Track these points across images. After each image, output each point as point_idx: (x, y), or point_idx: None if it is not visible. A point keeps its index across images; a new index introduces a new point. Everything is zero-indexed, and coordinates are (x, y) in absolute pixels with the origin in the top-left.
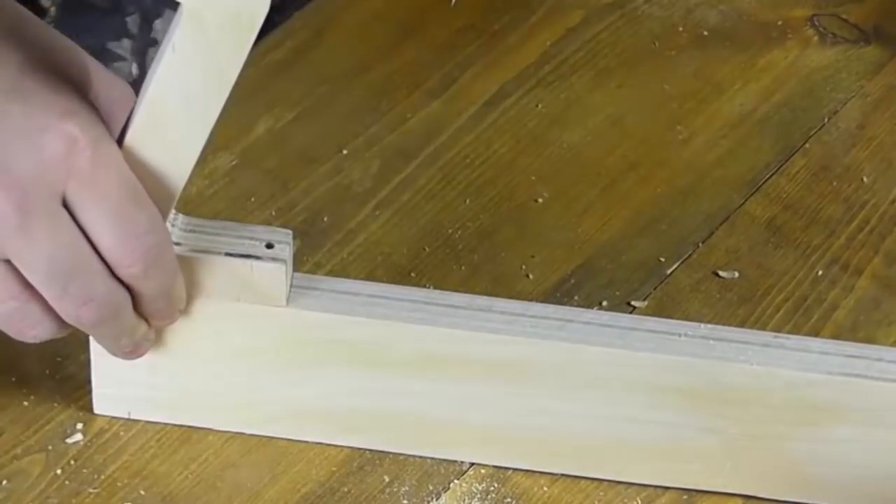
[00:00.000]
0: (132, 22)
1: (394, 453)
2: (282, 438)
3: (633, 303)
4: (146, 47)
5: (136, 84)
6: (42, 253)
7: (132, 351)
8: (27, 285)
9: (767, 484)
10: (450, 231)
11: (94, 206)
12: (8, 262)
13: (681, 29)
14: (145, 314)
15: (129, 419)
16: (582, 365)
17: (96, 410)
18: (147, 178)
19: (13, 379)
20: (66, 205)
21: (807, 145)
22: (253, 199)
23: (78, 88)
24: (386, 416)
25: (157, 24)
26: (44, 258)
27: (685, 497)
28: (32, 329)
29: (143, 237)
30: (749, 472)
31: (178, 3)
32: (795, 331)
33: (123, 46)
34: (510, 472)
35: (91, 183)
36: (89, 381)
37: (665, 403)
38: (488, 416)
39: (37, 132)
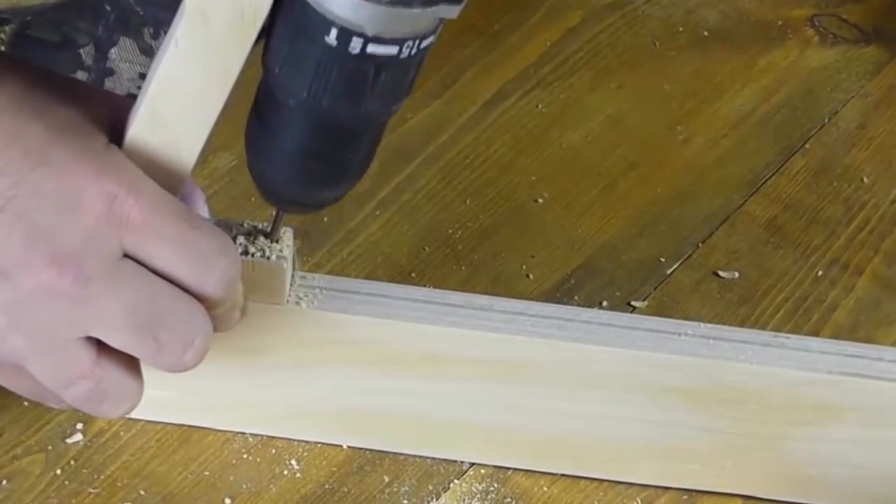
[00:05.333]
0: (86, 54)
1: (393, 453)
2: (282, 438)
3: (633, 303)
4: (103, 77)
5: None
6: (118, 310)
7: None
8: (98, 361)
9: (767, 484)
10: (450, 231)
11: (156, 247)
12: (82, 339)
13: (681, 29)
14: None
15: (128, 419)
16: (582, 364)
17: None
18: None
19: None
20: (128, 256)
21: (807, 145)
22: (253, 199)
23: (95, 126)
24: (386, 415)
25: (113, 52)
26: (122, 315)
27: (685, 497)
28: (118, 404)
29: (218, 260)
30: (748, 472)
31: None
32: (795, 331)
33: (80, 78)
34: (510, 472)
35: (144, 227)
36: None
37: (665, 403)
38: (488, 416)
39: (74, 199)
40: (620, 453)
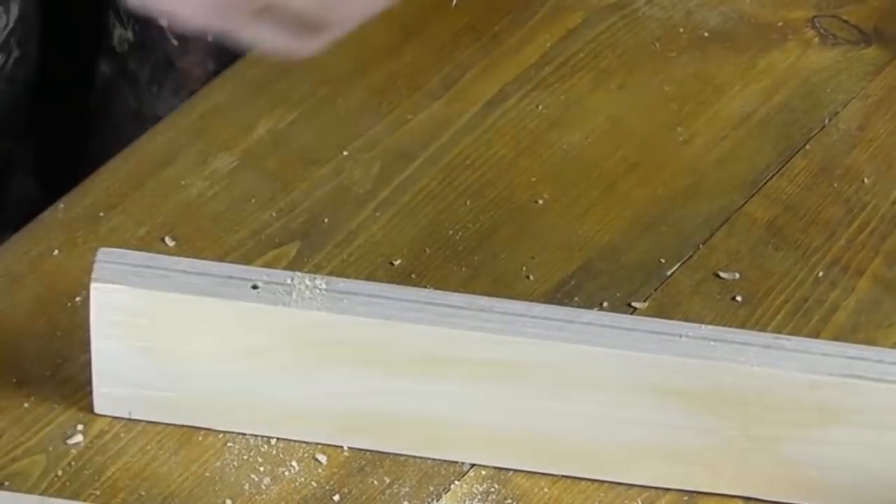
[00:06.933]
0: None
1: (394, 454)
2: (283, 439)
3: (633, 304)
4: None
5: None
6: None
7: None
8: None
9: (767, 486)
10: (450, 232)
11: None
12: None
13: (681, 30)
14: None
15: (129, 420)
16: (583, 366)
17: (96, 410)
18: None
19: (13, 380)
20: None
21: (807, 146)
22: (253, 201)
23: None
24: (386, 416)
25: None
26: None
27: (685, 498)
28: None
29: None
30: (749, 474)
31: None
32: (796, 332)
33: None
34: (511, 473)
35: None
36: (89, 383)
37: (666, 404)
38: (489, 417)
39: None
40: (621, 455)
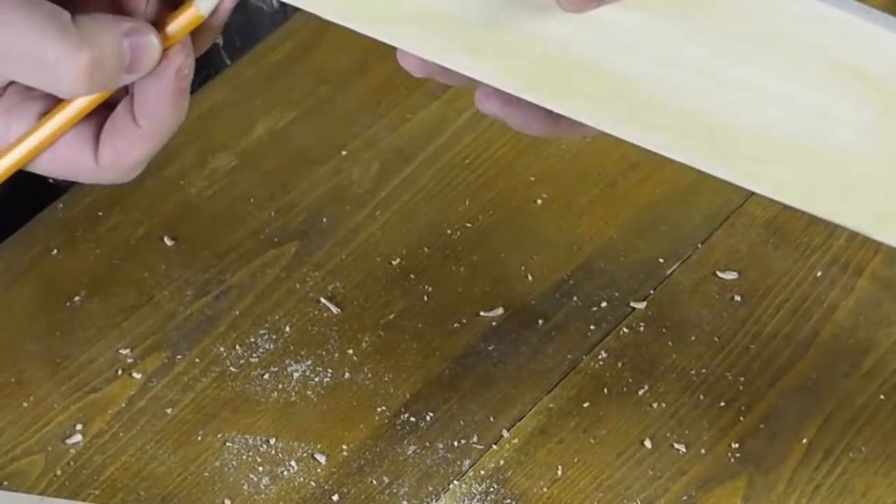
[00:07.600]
0: None
1: (392, 458)
2: (282, 437)
3: (632, 303)
4: None
5: None
6: None
7: None
8: None
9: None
10: (449, 232)
11: None
12: None
13: None
14: None
15: (128, 420)
16: (767, 11)
17: None
18: None
19: (12, 379)
20: None
21: None
22: (252, 200)
23: None
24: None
25: None
26: None
27: (685, 498)
28: None
29: None
30: (882, 204)
31: None
32: (795, 332)
33: None
34: (510, 473)
35: None
36: (89, 382)
37: (834, 84)
38: (642, 65)
39: None
40: (758, 149)
